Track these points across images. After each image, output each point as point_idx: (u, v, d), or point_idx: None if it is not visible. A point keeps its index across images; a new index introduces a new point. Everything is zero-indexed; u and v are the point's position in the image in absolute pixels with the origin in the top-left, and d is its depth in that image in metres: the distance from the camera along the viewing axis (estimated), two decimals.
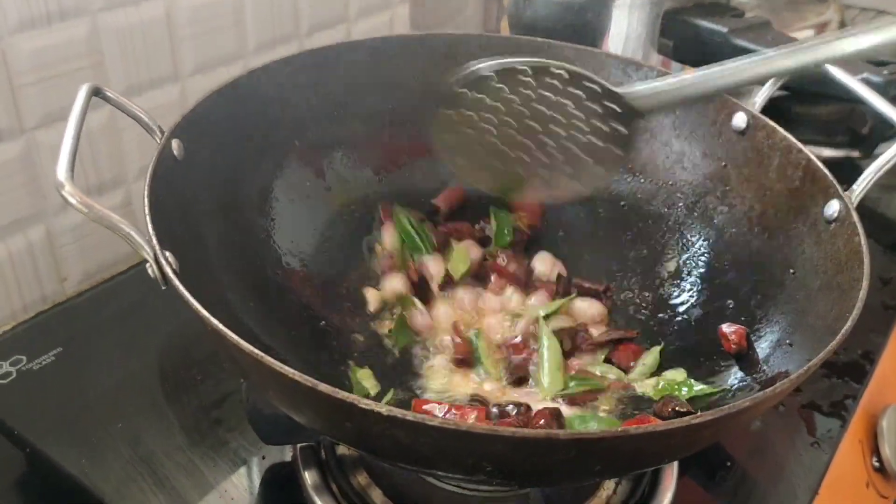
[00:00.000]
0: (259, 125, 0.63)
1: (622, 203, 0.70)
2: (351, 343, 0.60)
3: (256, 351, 0.37)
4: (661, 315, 0.64)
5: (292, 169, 0.65)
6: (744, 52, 0.72)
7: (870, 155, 1.00)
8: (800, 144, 0.59)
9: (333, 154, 0.68)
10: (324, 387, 0.36)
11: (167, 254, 0.43)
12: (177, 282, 0.41)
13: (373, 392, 0.56)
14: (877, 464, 0.69)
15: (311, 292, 0.61)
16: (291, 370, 0.37)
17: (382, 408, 0.35)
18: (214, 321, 0.39)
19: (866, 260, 0.48)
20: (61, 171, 0.42)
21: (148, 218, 0.45)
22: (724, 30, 0.73)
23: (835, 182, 0.55)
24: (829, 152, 0.97)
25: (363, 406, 0.35)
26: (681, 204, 0.67)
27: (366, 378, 0.57)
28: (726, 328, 0.56)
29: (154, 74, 0.81)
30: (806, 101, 0.86)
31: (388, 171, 0.70)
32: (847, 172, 0.96)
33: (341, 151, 0.68)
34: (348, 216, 0.67)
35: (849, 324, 0.42)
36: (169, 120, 0.82)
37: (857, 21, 1.47)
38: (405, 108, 0.69)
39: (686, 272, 0.64)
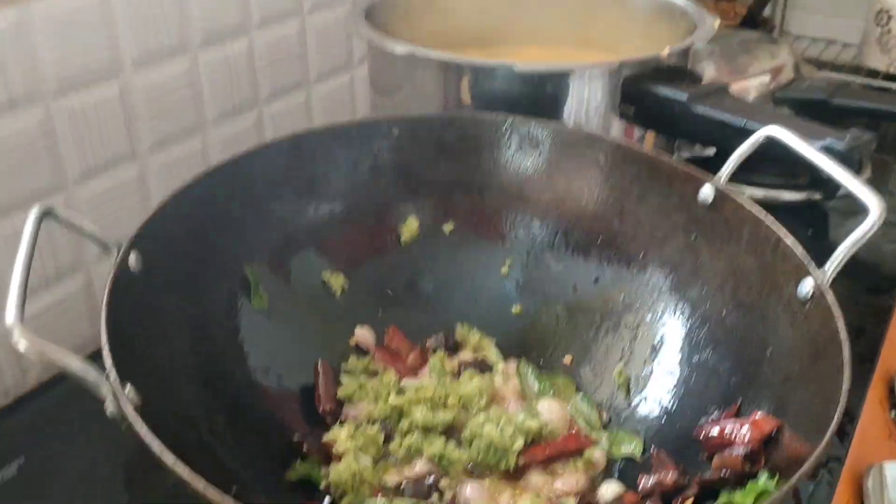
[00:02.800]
0: (220, 225, 0.61)
1: (595, 278, 0.69)
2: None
3: (230, 500, 0.36)
4: (636, 401, 0.63)
5: (258, 268, 0.63)
6: (704, 119, 0.72)
7: (833, 196, 1.00)
8: (769, 220, 0.58)
9: (299, 251, 0.66)
10: None
11: (128, 390, 0.41)
12: (140, 424, 0.39)
13: None
14: None
15: (283, 405, 0.59)
16: None
17: None
18: (184, 469, 0.37)
19: (846, 349, 0.47)
20: (10, 313, 0.40)
21: (106, 350, 0.43)
22: (684, 97, 0.73)
23: (806, 260, 0.55)
24: (790, 195, 0.98)
25: None
26: (654, 278, 0.66)
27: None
28: (707, 428, 0.55)
29: (111, 155, 0.79)
30: None
31: (353, 267, 0.68)
32: (811, 214, 0.99)
33: (306, 248, 0.66)
34: (318, 319, 0.65)
35: (826, 437, 0.41)
36: (128, 201, 0.81)
37: (807, 52, 1.50)
38: (370, 193, 0.68)
39: (663, 348, 0.64)
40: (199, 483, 0.36)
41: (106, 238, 0.52)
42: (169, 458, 0.37)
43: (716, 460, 0.52)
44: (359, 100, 1.10)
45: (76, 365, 0.40)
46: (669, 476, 0.53)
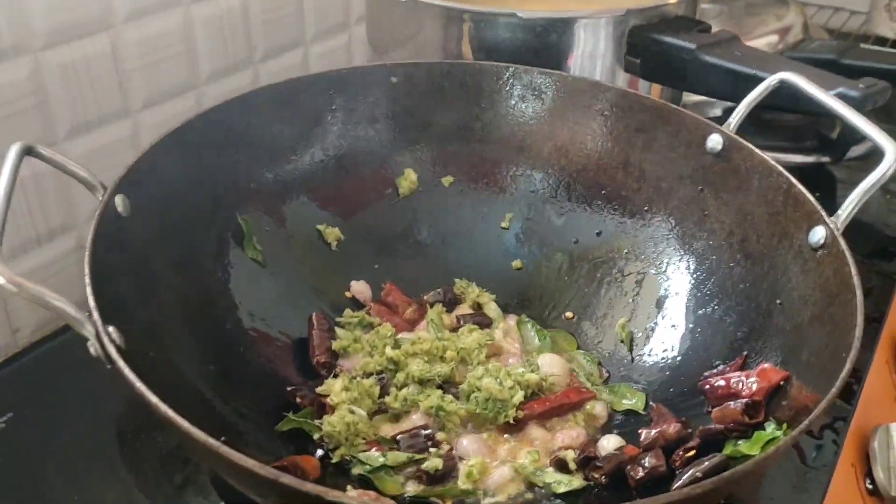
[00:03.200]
0: (212, 170, 0.59)
1: (597, 231, 0.67)
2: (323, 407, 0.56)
3: (213, 441, 0.34)
4: (639, 354, 0.61)
5: (251, 216, 0.61)
6: (713, 68, 0.70)
7: (840, 159, 0.98)
8: (780, 167, 0.56)
9: (293, 198, 0.64)
10: (287, 478, 0.33)
11: (111, 329, 0.40)
12: (122, 363, 0.37)
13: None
14: (870, 486, 0.67)
15: (276, 356, 0.57)
16: (251, 462, 0.33)
17: (352, 500, 0.32)
18: (166, 409, 0.35)
19: (859, 293, 0.45)
20: None
21: (89, 289, 0.41)
22: (693, 46, 0.71)
23: (819, 207, 0.53)
24: (798, 158, 0.96)
25: (331, 499, 0.32)
26: (658, 231, 0.64)
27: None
28: (712, 380, 0.53)
29: (103, 111, 0.77)
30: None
31: (349, 218, 0.66)
32: (818, 178, 0.97)
33: (301, 195, 0.65)
34: (313, 270, 0.64)
35: (839, 382, 0.40)
36: (120, 158, 0.79)
37: (814, 20, 1.47)
38: (367, 143, 0.67)
39: (667, 301, 0.62)
40: (184, 424, 0.35)
41: (91, 179, 0.50)
42: (152, 398, 0.36)
43: (715, 412, 0.51)
44: (356, 60, 1.08)
45: (56, 301, 0.39)
46: (672, 428, 0.51)
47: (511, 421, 0.55)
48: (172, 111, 0.83)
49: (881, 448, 0.67)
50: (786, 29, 1.09)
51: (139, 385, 0.36)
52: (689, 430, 0.52)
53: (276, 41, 0.95)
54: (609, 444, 0.54)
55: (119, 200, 0.50)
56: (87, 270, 0.42)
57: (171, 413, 0.35)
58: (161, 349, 0.48)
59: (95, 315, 0.40)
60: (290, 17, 0.96)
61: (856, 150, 0.99)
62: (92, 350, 0.40)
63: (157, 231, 0.53)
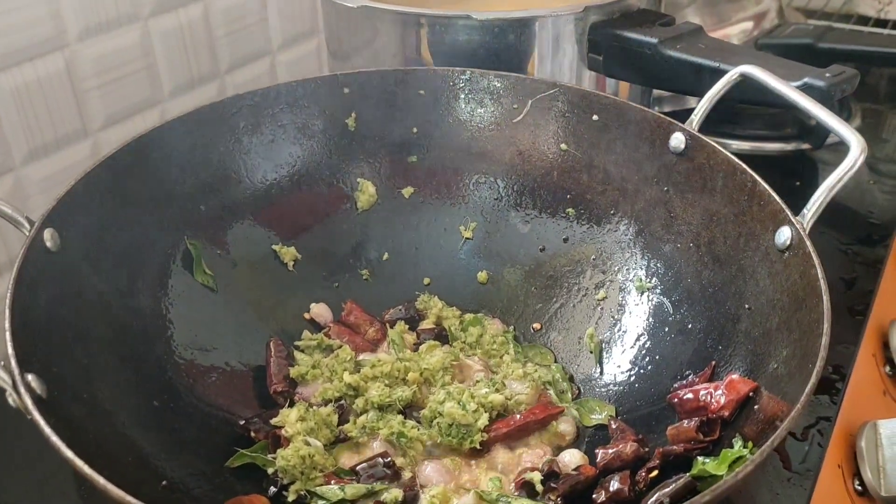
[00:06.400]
0: (155, 196, 0.57)
1: (564, 238, 0.65)
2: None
3: (130, 499, 0.32)
4: (608, 366, 0.59)
5: (199, 241, 0.59)
6: (676, 62, 0.68)
7: (821, 146, 0.96)
8: (744, 165, 0.54)
9: (245, 219, 0.62)
10: None
11: (30, 378, 0.37)
12: (38, 415, 0.35)
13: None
14: (859, 487, 0.65)
15: (229, 387, 0.54)
16: None
17: None
18: (82, 464, 0.33)
19: (825, 298, 0.43)
20: None
21: (8, 334, 0.39)
22: (654, 40, 0.68)
23: (784, 206, 0.50)
24: (778, 146, 0.94)
25: None
26: (626, 235, 0.62)
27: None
28: (681, 392, 0.51)
29: (60, 133, 0.75)
30: None
31: (305, 237, 0.64)
32: (800, 166, 0.95)
33: (252, 216, 0.62)
34: (269, 293, 0.61)
35: (803, 398, 0.37)
36: None
37: (793, 3, 1.44)
38: (321, 157, 0.64)
39: (636, 309, 0.60)
40: (99, 480, 0.33)
41: (15, 214, 0.48)
42: (68, 453, 0.34)
43: (670, 431, 0.48)
44: (327, 66, 1.06)
45: None
46: (629, 448, 0.49)
47: (477, 446, 0.52)
48: (136, 129, 0.81)
49: (869, 446, 0.64)
50: (761, 14, 1.06)
51: (54, 439, 0.34)
52: (647, 449, 0.49)
53: (242, 51, 0.92)
54: (570, 458, 0.51)
55: (48, 235, 0.47)
56: (7, 314, 0.40)
57: (87, 469, 0.33)
58: (94, 391, 0.45)
59: (13, 363, 0.37)
60: (255, 27, 0.94)
61: (836, 136, 0.96)
62: (11, 401, 0.37)
63: (90, 264, 0.50)
